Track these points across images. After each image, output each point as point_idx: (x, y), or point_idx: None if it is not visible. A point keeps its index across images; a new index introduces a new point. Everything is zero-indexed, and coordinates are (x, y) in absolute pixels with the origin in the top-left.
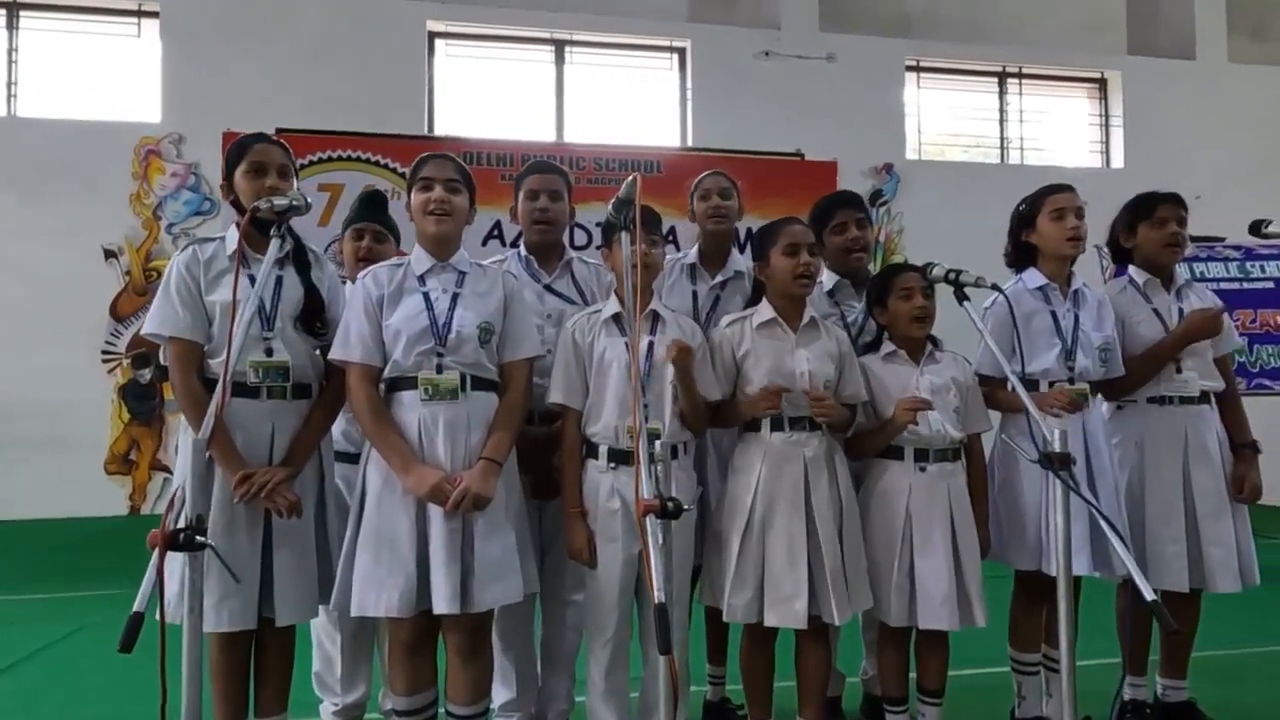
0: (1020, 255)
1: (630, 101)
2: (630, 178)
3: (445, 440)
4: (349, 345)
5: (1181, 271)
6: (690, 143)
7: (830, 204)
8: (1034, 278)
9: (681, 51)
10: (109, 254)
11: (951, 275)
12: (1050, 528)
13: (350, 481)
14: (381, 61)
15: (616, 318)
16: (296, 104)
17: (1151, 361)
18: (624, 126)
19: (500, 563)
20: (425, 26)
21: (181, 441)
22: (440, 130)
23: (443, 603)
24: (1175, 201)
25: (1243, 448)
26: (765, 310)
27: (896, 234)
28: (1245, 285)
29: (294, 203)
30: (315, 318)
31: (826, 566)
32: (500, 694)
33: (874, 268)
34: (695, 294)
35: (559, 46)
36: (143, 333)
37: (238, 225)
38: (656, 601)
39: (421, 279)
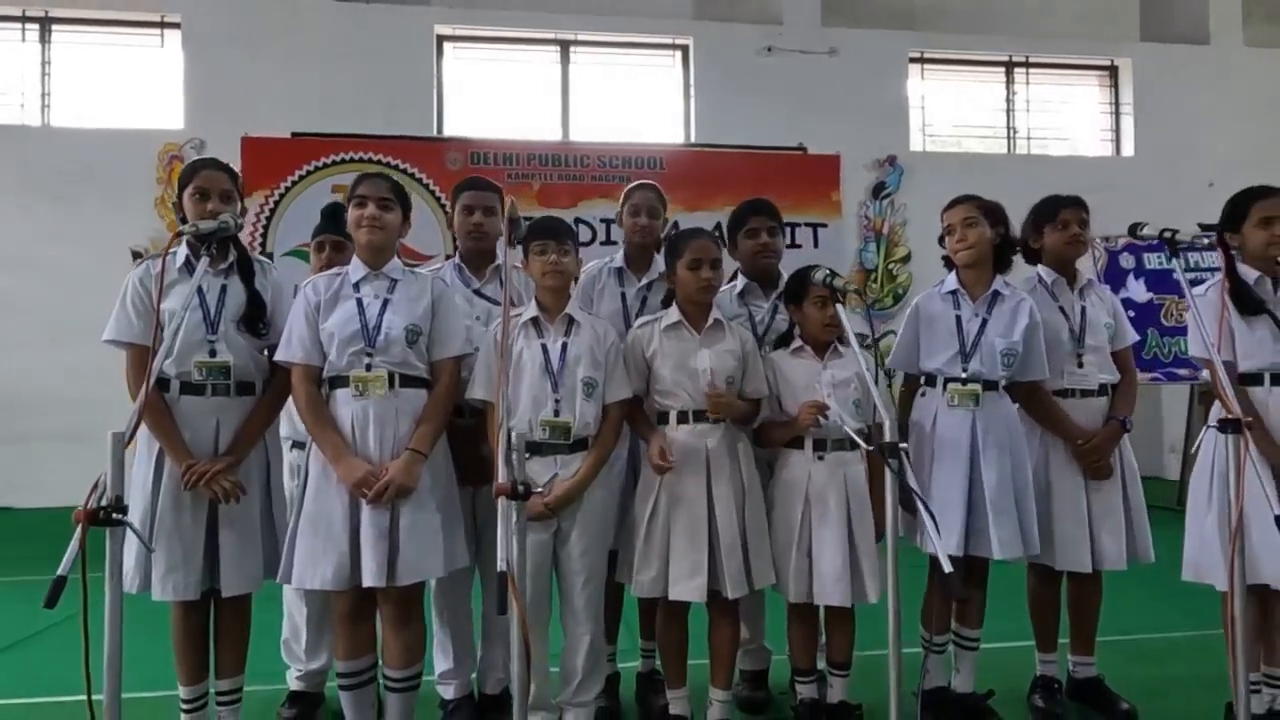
0: (950, 260)
1: (634, 99)
2: (510, 201)
3: (375, 433)
4: (291, 347)
5: (1084, 272)
6: (694, 139)
7: (745, 210)
8: (950, 282)
9: (684, 49)
10: (136, 255)
11: (829, 280)
12: (948, 509)
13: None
14: (391, 66)
15: (535, 321)
16: (311, 108)
17: (1045, 416)
18: (628, 124)
19: (424, 541)
20: (433, 30)
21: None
22: (449, 131)
23: (370, 576)
24: (1077, 205)
25: (1112, 420)
26: (673, 313)
27: (900, 226)
28: None
29: (220, 225)
30: (257, 320)
31: (723, 546)
32: (440, 663)
33: (878, 259)
34: (624, 296)
35: (564, 47)
36: (102, 339)
37: (188, 242)
38: (499, 569)
39: (356, 286)
